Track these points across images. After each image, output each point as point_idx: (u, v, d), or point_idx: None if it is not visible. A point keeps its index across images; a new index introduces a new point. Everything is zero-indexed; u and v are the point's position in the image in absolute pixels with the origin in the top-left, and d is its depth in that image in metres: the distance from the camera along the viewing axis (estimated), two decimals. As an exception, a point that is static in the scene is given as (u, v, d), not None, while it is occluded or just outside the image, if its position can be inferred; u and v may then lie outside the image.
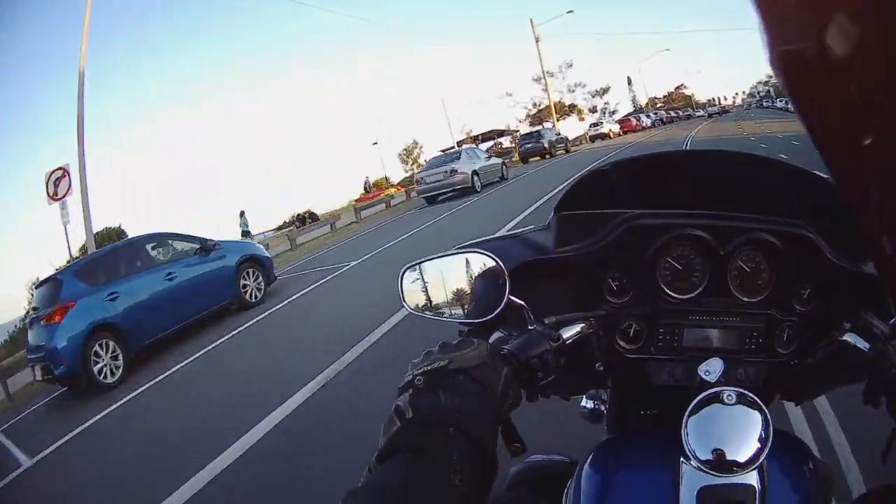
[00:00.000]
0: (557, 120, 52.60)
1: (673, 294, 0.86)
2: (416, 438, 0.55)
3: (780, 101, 62.35)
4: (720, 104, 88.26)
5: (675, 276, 0.86)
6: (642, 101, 77.58)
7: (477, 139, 50.64)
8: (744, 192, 0.86)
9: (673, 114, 64.12)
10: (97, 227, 16.84)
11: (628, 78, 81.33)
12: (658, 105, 78.06)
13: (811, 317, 0.85)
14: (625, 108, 65.69)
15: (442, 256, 0.87)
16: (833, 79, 0.29)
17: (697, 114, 69.65)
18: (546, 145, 30.55)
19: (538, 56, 43.52)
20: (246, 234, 20.34)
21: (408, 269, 0.88)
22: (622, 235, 0.85)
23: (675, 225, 0.84)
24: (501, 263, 0.78)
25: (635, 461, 0.76)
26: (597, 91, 59.50)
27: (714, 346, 0.86)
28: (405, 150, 56.24)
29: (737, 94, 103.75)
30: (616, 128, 43.02)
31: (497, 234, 1.05)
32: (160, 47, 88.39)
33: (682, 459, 0.66)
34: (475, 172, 18.23)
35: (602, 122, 44.52)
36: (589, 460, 0.76)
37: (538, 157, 30.37)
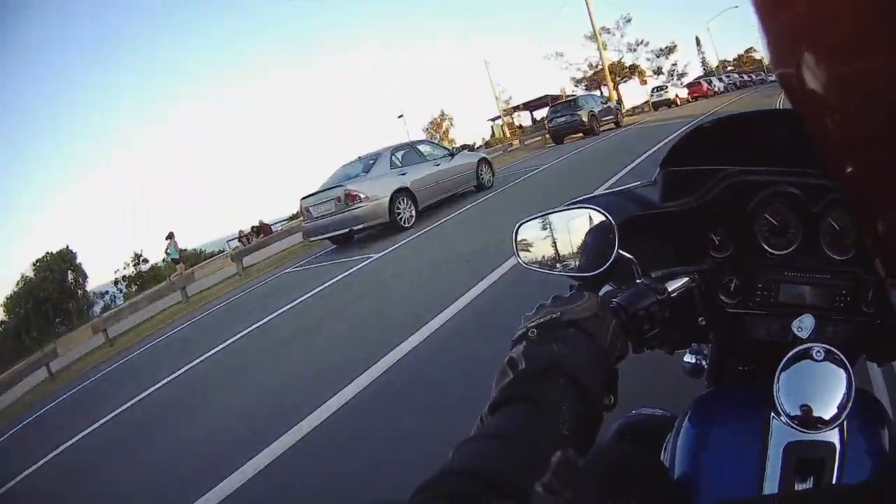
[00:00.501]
0: (615, 84, 45.57)
1: (770, 249, 0.88)
2: (527, 388, 0.56)
3: None
4: None
5: (772, 231, 0.87)
6: (713, 63, 69.14)
7: (518, 108, 44.35)
8: None
9: (746, 77, 56.21)
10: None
11: (697, 38, 72.95)
12: (729, 69, 70.18)
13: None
14: (694, 72, 58.61)
15: (553, 212, 0.88)
16: (823, 63, 0.31)
17: (770, 78, 63.67)
18: (586, 118, 23.11)
19: (587, 5, 35.67)
20: (176, 261, 18.76)
21: (521, 224, 0.90)
22: (723, 192, 0.88)
23: (772, 182, 0.86)
24: (611, 218, 0.79)
25: (729, 416, 0.79)
26: (662, 50, 51.21)
27: (807, 303, 0.86)
28: (432, 123, 47.75)
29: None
30: (684, 93, 35.96)
31: (606, 191, 1.00)
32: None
33: (772, 415, 0.68)
34: (402, 192, 10.80)
35: (667, 86, 36.76)
36: (687, 415, 0.80)
37: (579, 135, 23.50)
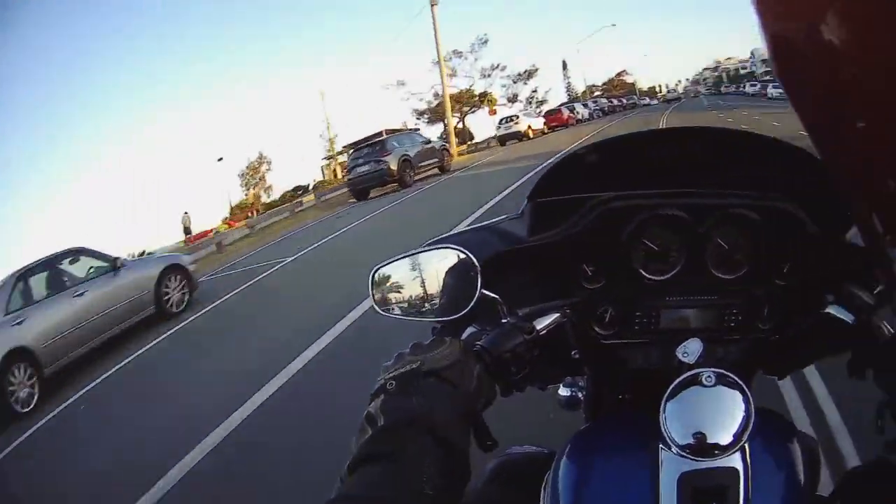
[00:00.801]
0: (463, 114, 39.94)
1: (649, 276, 0.85)
2: (386, 445, 0.55)
3: (752, 84, 54.68)
4: (663, 92, 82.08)
5: (651, 257, 0.85)
6: (580, 88, 66.27)
7: (350, 148, 37.56)
8: (722, 168, 0.85)
9: (616, 102, 52.77)
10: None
11: (563, 62, 70.10)
12: (596, 94, 67.68)
13: (792, 291, 0.85)
14: (559, 98, 54.96)
15: (412, 254, 0.85)
16: (823, 65, 0.31)
17: (643, 102, 61.95)
18: (395, 166, 17.45)
19: (433, 23, 29.05)
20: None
21: (377, 269, 0.86)
22: (595, 220, 0.85)
23: (648, 205, 0.84)
24: (473, 257, 0.77)
25: (613, 449, 0.76)
26: (520, 75, 46.38)
27: (692, 327, 0.85)
28: (249, 167, 43.22)
29: (679, 81, 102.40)
30: (539, 123, 31.57)
31: (469, 227, 1.00)
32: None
33: (661, 446, 0.66)
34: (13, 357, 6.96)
35: (518, 117, 32.02)
36: (566, 451, 0.76)
37: (391, 186, 17.99)
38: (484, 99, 41.19)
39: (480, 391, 0.64)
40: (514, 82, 45.66)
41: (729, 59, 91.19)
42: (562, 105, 39.96)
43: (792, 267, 0.84)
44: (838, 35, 0.29)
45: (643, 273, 0.85)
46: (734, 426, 0.62)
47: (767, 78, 51.59)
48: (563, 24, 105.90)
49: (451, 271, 0.81)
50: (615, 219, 0.84)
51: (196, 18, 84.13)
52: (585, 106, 42.55)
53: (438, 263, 0.82)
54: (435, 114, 39.85)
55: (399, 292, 0.86)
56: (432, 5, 28.31)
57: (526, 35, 77.98)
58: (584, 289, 0.87)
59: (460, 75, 41.10)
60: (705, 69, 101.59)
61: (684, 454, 0.63)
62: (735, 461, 0.63)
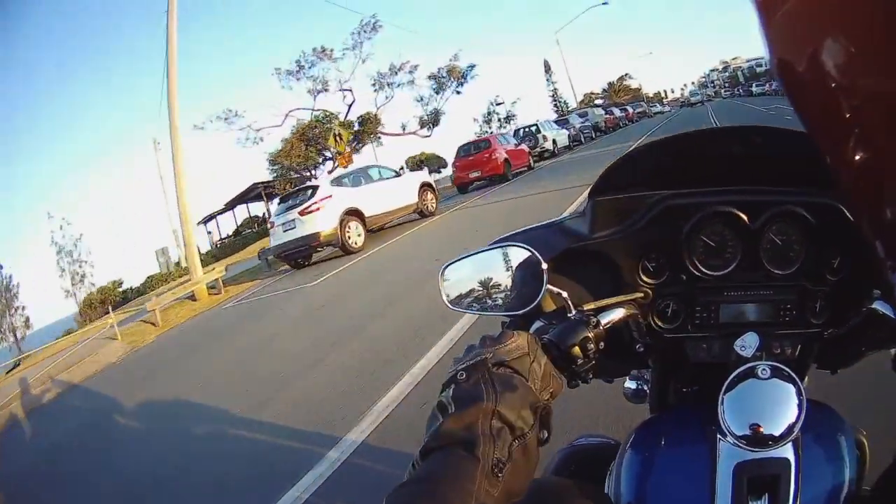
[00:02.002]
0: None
1: (707, 271, 0.87)
2: (458, 432, 0.56)
3: (758, 84, 49.81)
4: (672, 97, 79.59)
5: (709, 253, 0.87)
6: (570, 96, 49.35)
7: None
8: (773, 165, 0.86)
9: (619, 113, 35.63)
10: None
11: (546, 63, 53.00)
12: (596, 101, 50.61)
13: (842, 286, 0.85)
14: (540, 112, 38.56)
15: (480, 252, 0.88)
16: (829, 84, 0.31)
17: (655, 109, 53.13)
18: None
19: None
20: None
21: (447, 266, 0.89)
22: (655, 217, 0.87)
23: (706, 203, 0.85)
24: (538, 254, 0.80)
25: (674, 440, 0.78)
26: (439, 77, 29.63)
27: (750, 321, 0.86)
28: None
29: (684, 85, 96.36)
30: (407, 191, 14.62)
31: (534, 225, 0.99)
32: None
33: (719, 436, 0.68)
34: None
35: (312, 192, 12.86)
36: (630, 441, 0.80)
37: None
38: (370, 130, 24.03)
39: (548, 382, 0.66)
40: (437, 91, 28.39)
41: (735, 58, 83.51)
42: (527, 128, 22.58)
43: (841, 262, 0.85)
44: (842, 56, 0.29)
45: (701, 269, 0.86)
46: (787, 418, 0.64)
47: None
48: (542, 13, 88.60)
49: (518, 268, 0.84)
50: (674, 216, 0.86)
51: None
52: (565, 127, 25.09)
53: (505, 261, 0.85)
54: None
55: (468, 288, 0.88)
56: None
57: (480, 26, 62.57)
58: (645, 284, 0.89)
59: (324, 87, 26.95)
60: (712, 70, 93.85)
61: (740, 444, 0.65)
62: (787, 452, 0.65)
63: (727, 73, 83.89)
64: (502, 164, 17.57)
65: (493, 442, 0.55)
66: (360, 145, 28.44)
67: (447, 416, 0.58)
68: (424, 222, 13.47)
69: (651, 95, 72.94)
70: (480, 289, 0.87)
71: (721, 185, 0.86)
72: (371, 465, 3.05)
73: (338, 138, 22.99)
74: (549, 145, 22.84)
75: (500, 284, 0.86)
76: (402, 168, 16.48)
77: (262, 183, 29.97)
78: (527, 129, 24.23)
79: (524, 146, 20.22)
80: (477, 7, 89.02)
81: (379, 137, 29.18)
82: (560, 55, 56.00)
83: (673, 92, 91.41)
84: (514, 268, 0.84)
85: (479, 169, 17.67)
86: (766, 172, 0.86)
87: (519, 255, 0.83)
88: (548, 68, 52.37)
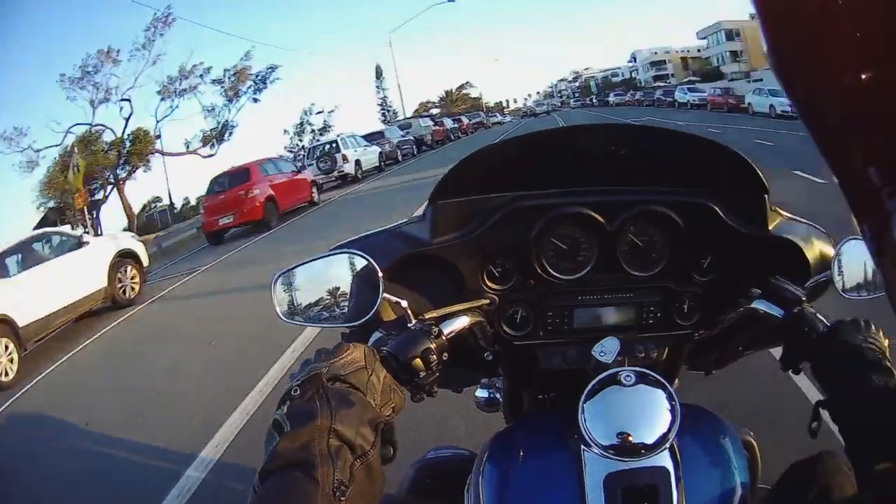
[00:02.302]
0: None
1: (559, 275, 0.84)
2: (295, 453, 0.54)
3: (616, 94, 48.54)
4: (513, 107, 76.34)
5: (561, 256, 0.84)
6: (399, 104, 45.83)
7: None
8: (637, 164, 0.84)
9: (452, 124, 32.73)
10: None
11: (377, 68, 49.13)
12: (431, 110, 48.10)
13: (714, 286, 0.85)
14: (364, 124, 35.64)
15: (314, 260, 0.83)
16: (830, 79, 0.31)
17: (494, 119, 48.54)
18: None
19: None
20: None
21: (279, 275, 0.84)
22: (501, 220, 0.84)
23: (557, 204, 0.82)
24: (374, 262, 0.77)
25: (535, 450, 0.75)
26: (225, 81, 25.39)
27: (608, 325, 0.85)
28: None
29: (528, 95, 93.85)
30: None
31: (373, 231, 0.95)
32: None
33: (582, 446, 0.66)
34: None
35: None
36: (487, 453, 0.76)
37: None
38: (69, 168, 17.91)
39: (388, 397, 0.64)
40: (230, 98, 23.48)
41: (587, 68, 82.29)
42: (259, 161, 15.29)
43: (712, 263, 0.84)
44: (843, 50, 0.28)
45: (553, 273, 0.84)
46: (659, 425, 0.62)
47: (660, 84, 46.37)
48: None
49: (356, 277, 0.80)
50: (522, 219, 0.83)
51: None
52: (376, 140, 21.30)
53: (342, 268, 0.81)
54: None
55: (303, 299, 0.83)
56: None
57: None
58: (491, 290, 0.86)
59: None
60: (560, 80, 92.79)
61: (608, 454, 0.62)
62: (664, 460, 0.64)
63: (577, 83, 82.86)
64: (261, 205, 12.80)
65: (333, 462, 0.53)
66: (130, 169, 22.29)
67: (284, 435, 0.56)
68: (114, 321, 8.00)
69: (492, 105, 71.91)
70: (317, 299, 0.82)
71: (574, 185, 0.84)
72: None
73: (75, 170, 16.67)
74: (349, 168, 18.41)
75: (338, 294, 0.81)
76: (85, 232, 10.84)
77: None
78: (323, 148, 19.36)
79: (306, 174, 15.58)
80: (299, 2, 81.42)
81: (148, 160, 23.17)
82: (392, 58, 52.19)
83: (515, 102, 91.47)
84: (351, 276, 0.80)
85: (231, 212, 12.75)
86: (630, 171, 0.84)
87: (356, 262, 0.79)
88: (379, 74, 48.59)
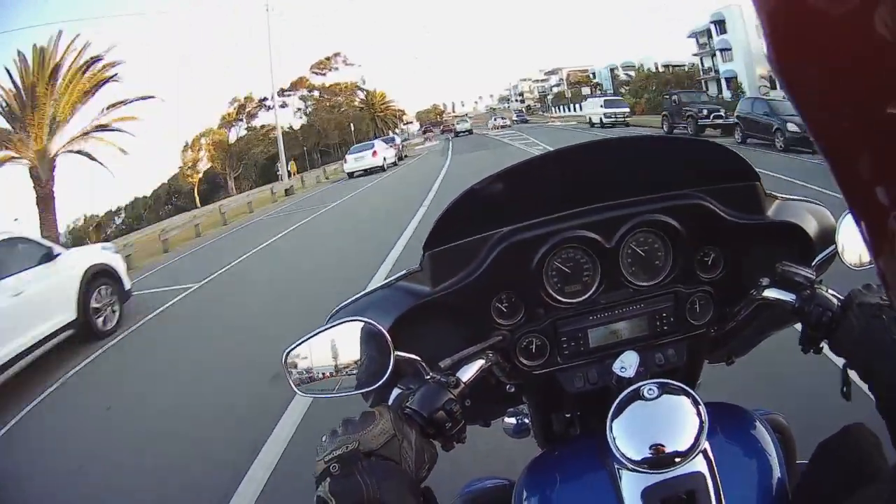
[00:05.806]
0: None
1: (566, 300, 0.84)
2: None
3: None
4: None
5: (565, 281, 0.84)
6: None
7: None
8: (623, 176, 0.84)
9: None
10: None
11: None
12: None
13: (722, 281, 0.84)
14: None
15: (319, 332, 0.81)
16: (832, 81, 0.30)
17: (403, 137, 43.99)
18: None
19: None
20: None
21: (288, 351, 0.82)
22: (498, 258, 0.83)
23: (552, 232, 0.82)
24: (378, 325, 0.76)
25: (571, 474, 0.75)
26: None
27: (624, 339, 0.84)
28: None
29: (462, 103, 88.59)
30: None
31: (371, 290, 0.94)
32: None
33: (616, 465, 0.65)
34: None
35: None
36: (524, 481, 0.76)
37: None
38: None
39: (421, 458, 0.65)
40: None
41: (524, 79, 79.00)
42: None
43: (717, 258, 0.84)
44: (845, 52, 0.28)
45: (559, 298, 0.84)
46: (688, 431, 0.61)
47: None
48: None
49: (364, 341, 0.78)
50: (518, 252, 0.82)
51: None
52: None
53: (348, 335, 0.79)
54: None
55: (316, 370, 0.82)
56: None
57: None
58: (502, 326, 0.85)
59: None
60: (510, 87, 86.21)
61: (642, 469, 0.62)
62: (698, 465, 0.63)
63: (521, 96, 76.86)
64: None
65: None
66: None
67: None
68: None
69: (454, 116, 64.34)
70: (329, 369, 0.81)
71: (565, 209, 0.83)
72: None
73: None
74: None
75: (349, 360, 0.80)
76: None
77: None
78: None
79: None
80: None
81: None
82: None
83: (463, 105, 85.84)
84: (360, 341, 0.79)
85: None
86: (620, 185, 0.83)
87: (359, 328, 0.78)
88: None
